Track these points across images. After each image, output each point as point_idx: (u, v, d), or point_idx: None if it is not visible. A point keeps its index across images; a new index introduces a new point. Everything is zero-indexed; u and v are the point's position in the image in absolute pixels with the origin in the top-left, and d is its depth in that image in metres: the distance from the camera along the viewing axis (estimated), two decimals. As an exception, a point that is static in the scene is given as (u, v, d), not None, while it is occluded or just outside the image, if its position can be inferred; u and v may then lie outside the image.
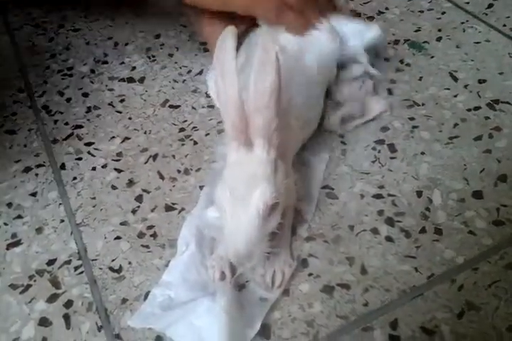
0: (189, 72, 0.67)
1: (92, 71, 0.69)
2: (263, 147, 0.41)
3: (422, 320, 0.42)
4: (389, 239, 0.47)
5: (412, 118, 0.59)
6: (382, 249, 0.47)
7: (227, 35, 0.40)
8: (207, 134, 0.59)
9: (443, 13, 0.74)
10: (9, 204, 0.52)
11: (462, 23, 0.72)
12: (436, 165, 0.53)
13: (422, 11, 0.75)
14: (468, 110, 0.59)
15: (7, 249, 0.48)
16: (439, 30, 0.71)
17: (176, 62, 0.69)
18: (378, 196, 0.51)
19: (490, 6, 0.74)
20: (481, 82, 0.62)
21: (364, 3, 0.78)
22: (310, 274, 0.45)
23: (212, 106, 0.62)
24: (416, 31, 0.72)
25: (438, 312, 0.42)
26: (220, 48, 0.40)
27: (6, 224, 0.51)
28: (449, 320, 0.42)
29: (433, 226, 0.48)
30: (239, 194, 0.40)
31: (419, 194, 0.51)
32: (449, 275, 0.44)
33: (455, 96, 0.61)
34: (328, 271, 0.45)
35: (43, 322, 0.43)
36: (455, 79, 0.63)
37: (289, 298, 0.44)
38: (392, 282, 0.44)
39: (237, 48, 0.41)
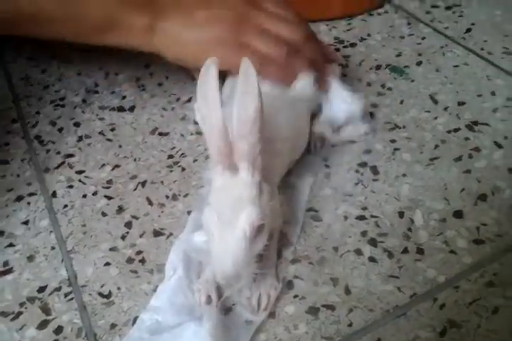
0: (178, 99, 0.69)
1: (84, 101, 0.71)
2: (247, 170, 0.42)
3: (405, 339, 0.42)
4: (372, 259, 0.48)
5: (393, 141, 0.60)
6: (365, 269, 0.48)
7: (210, 65, 0.42)
8: (195, 160, 0.60)
9: (423, 38, 0.77)
10: (1, 233, 0.53)
11: (441, 47, 0.74)
12: (418, 186, 0.55)
13: (402, 37, 0.78)
14: (448, 132, 0.61)
15: (-1, 276, 0.50)
16: (420, 55, 0.74)
17: (165, 91, 0.71)
18: (361, 217, 0.52)
19: (468, 30, 0.77)
20: (460, 104, 0.64)
21: (347, 30, 0.80)
22: (295, 296, 0.46)
23: (200, 133, 0.63)
24: (397, 56, 0.74)
25: (421, 331, 0.43)
26: (203, 77, 0.42)
27: (-3, 252, 0.52)
28: (431, 339, 0.42)
29: (415, 246, 0.49)
30: (225, 217, 0.41)
31: (401, 214, 0.52)
32: (431, 294, 0.45)
33: (435, 118, 0.63)
34: (313, 292, 0.46)
35: (33, 349, 0.44)
36: (435, 101, 0.65)
37: (275, 319, 0.45)
38: (376, 302, 0.45)
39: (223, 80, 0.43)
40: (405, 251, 0.49)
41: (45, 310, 0.46)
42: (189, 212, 0.54)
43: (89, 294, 0.48)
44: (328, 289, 0.46)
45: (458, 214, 0.52)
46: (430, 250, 0.49)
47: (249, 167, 0.43)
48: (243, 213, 0.41)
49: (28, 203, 0.57)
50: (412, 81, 0.69)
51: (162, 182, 0.58)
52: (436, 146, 0.59)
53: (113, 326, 0.45)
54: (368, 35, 0.79)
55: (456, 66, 0.71)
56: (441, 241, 0.49)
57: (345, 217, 0.52)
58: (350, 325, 0.44)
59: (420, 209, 0.52)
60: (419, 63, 0.72)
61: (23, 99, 0.73)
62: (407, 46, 0.76)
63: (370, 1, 0.84)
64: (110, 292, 0.47)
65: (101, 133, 0.66)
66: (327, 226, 0.52)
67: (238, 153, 0.42)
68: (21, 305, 0.47)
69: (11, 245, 0.52)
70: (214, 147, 0.43)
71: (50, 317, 0.46)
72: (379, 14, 0.84)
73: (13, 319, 0.46)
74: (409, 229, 0.51)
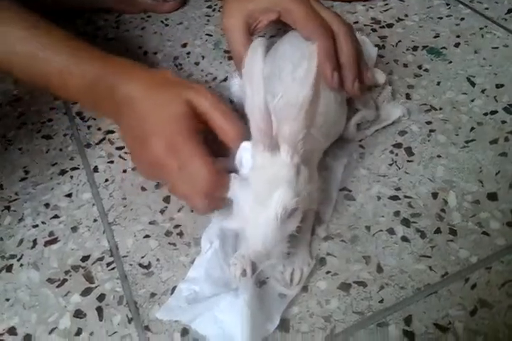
0: (214, 79, 0.70)
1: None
2: (287, 152, 0.43)
3: (435, 317, 0.43)
4: (405, 239, 0.49)
5: (429, 122, 0.60)
6: (397, 248, 0.49)
7: (258, 46, 0.42)
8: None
9: (462, 19, 0.76)
10: (47, 205, 0.56)
11: (481, 28, 0.73)
12: (452, 168, 0.55)
13: (440, 18, 0.77)
14: (485, 114, 0.60)
15: (45, 245, 0.52)
16: (458, 36, 0.73)
17: (202, 70, 0.72)
18: (395, 198, 0.53)
19: (509, 11, 0.75)
20: (498, 86, 0.64)
21: (384, 11, 0.80)
22: (328, 272, 0.47)
23: (235, 111, 0.64)
24: (435, 37, 0.73)
25: (451, 310, 0.44)
26: (250, 58, 0.43)
27: (43, 223, 0.54)
28: (462, 317, 0.43)
29: (448, 227, 0.50)
30: (260, 196, 0.42)
31: (435, 196, 0.52)
32: (463, 274, 0.46)
33: (472, 100, 0.62)
34: (345, 269, 0.47)
35: (78, 314, 0.46)
36: (472, 84, 0.65)
37: (308, 294, 0.46)
38: (407, 280, 0.46)
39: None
40: (438, 231, 0.49)
41: (89, 278, 0.49)
42: (225, 189, 0.55)
43: (130, 264, 0.50)
44: (360, 266, 0.48)
45: (492, 197, 0.52)
46: (463, 231, 0.49)
47: (289, 149, 0.43)
48: (277, 193, 0.42)
49: (71, 177, 0.59)
50: (450, 62, 0.68)
51: (199, 159, 0.59)
52: (472, 129, 0.59)
53: (152, 295, 0.47)
54: (406, 15, 0.78)
55: (496, 48, 0.70)
56: (475, 222, 0.50)
57: (379, 197, 0.53)
58: (381, 301, 0.45)
59: (454, 190, 0.53)
60: (457, 45, 0.71)
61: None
62: (445, 27, 0.75)
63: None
64: (150, 263, 0.50)
65: (139, 110, 0.67)
66: (360, 205, 0.53)
67: (280, 135, 0.43)
68: (66, 272, 0.50)
69: (55, 216, 0.55)
70: (255, 126, 0.43)
71: (93, 285, 0.48)
72: (417, -6, 0.82)
73: (58, 286, 0.49)
74: (443, 210, 0.51)
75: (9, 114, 0.69)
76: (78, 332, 0.45)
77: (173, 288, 0.47)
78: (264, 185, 0.43)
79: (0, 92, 0.73)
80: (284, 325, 0.44)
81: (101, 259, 0.51)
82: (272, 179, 0.43)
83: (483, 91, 0.63)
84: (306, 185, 0.44)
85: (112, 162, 0.61)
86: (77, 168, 0.60)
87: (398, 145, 0.58)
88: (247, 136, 0.47)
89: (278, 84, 0.50)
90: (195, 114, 0.48)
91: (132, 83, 0.49)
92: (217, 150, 0.49)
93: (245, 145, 0.48)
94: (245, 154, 0.48)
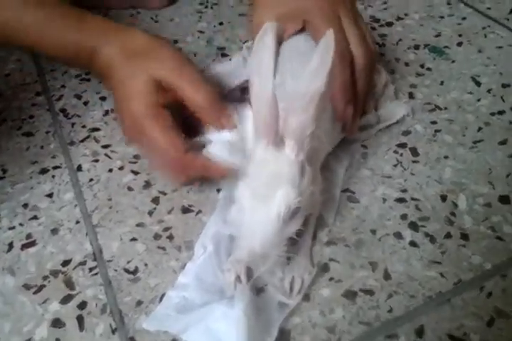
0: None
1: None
2: (293, 148, 0.40)
3: (449, 328, 0.40)
4: (413, 243, 0.46)
5: (434, 122, 0.57)
6: (406, 253, 0.45)
7: (267, 31, 0.39)
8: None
9: (463, 18, 0.74)
10: (25, 205, 0.52)
11: (483, 28, 0.71)
12: (460, 169, 0.52)
13: (442, 17, 0.74)
14: (492, 114, 0.58)
15: (21, 249, 0.48)
16: (460, 36, 0.70)
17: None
18: (401, 200, 0.50)
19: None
20: (504, 86, 0.61)
21: (383, 9, 0.77)
22: (331, 279, 0.44)
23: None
24: (436, 36, 0.71)
25: (466, 320, 0.40)
26: (259, 43, 0.39)
27: (21, 224, 0.50)
28: (478, 328, 0.40)
29: (459, 231, 0.46)
30: (260, 192, 0.39)
31: (444, 198, 0.49)
32: (477, 281, 0.43)
33: (478, 100, 0.60)
34: (349, 276, 0.44)
35: (56, 323, 0.42)
36: (477, 83, 0.62)
37: (309, 302, 0.42)
38: (418, 288, 0.43)
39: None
40: (448, 236, 0.46)
41: (69, 284, 0.45)
42: (218, 190, 0.52)
43: (115, 270, 0.46)
44: (365, 273, 0.44)
45: (504, 199, 0.49)
46: (475, 235, 0.46)
47: (295, 145, 0.40)
48: (280, 191, 0.38)
49: (53, 176, 0.55)
50: (453, 62, 0.66)
51: (190, 158, 0.56)
52: (480, 129, 0.56)
53: (139, 303, 0.43)
54: (405, 14, 0.76)
55: (500, 47, 0.67)
56: (487, 226, 0.47)
57: (384, 199, 0.50)
58: (390, 310, 0.41)
59: (464, 192, 0.50)
60: (459, 44, 0.69)
61: (48, 73, 0.71)
62: (447, 26, 0.72)
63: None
64: (136, 268, 0.46)
65: (127, 107, 0.63)
66: (364, 208, 0.49)
67: (287, 129, 0.39)
68: (44, 278, 0.45)
69: (34, 218, 0.50)
70: (260, 118, 0.40)
71: (74, 292, 0.44)
72: (416, -7, 0.80)
73: (35, 292, 0.44)
74: (453, 214, 0.48)
75: (-12, 110, 0.65)
76: (56, 344, 0.41)
77: (162, 296, 0.43)
78: (265, 181, 0.39)
79: (-21, 88, 0.69)
80: (283, 337, 0.40)
81: (83, 264, 0.46)
82: (274, 175, 0.39)
83: (489, 90, 0.61)
84: (309, 185, 0.41)
85: (96, 161, 0.57)
86: (59, 167, 0.56)
87: (403, 146, 0.55)
88: (221, 109, 0.47)
89: (287, 75, 0.46)
90: (162, 87, 0.47)
91: (108, 49, 0.50)
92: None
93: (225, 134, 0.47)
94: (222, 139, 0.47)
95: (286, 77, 0.45)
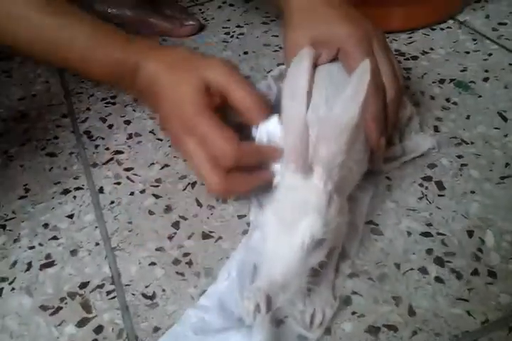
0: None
1: (135, 100, 0.70)
2: (321, 177, 0.39)
3: (477, 370, 0.38)
4: (439, 279, 0.44)
5: (460, 156, 0.57)
6: (431, 289, 0.44)
7: (304, 55, 0.39)
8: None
9: (489, 54, 0.74)
10: (45, 225, 0.52)
11: (510, 64, 0.71)
12: (488, 205, 0.51)
13: (467, 52, 0.74)
14: (520, 150, 0.57)
15: (40, 269, 0.47)
16: (486, 71, 0.70)
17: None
18: (426, 234, 0.48)
19: (538, 49, 0.73)
20: (531, 122, 0.61)
21: (408, 43, 0.78)
22: (353, 313, 0.42)
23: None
24: (462, 71, 0.71)
25: (494, 362, 0.39)
26: (295, 67, 0.39)
27: (41, 244, 0.50)
28: (506, 371, 0.38)
29: (486, 268, 0.45)
30: (286, 219, 0.38)
31: (470, 234, 0.48)
32: (506, 321, 0.41)
33: (505, 135, 0.59)
34: (373, 311, 0.42)
35: (72, 347, 0.41)
36: (504, 119, 0.61)
37: (331, 337, 0.41)
38: (443, 326, 0.41)
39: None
40: (475, 273, 0.45)
41: (86, 307, 0.44)
42: (239, 216, 0.51)
43: (133, 294, 0.45)
44: (389, 308, 0.43)
45: (533, 238, 0.47)
46: (503, 273, 0.44)
47: (323, 173, 0.39)
48: (306, 220, 0.38)
49: (74, 197, 0.55)
50: (480, 97, 0.65)
51: (212, 184, 0.55)
52: (507, 165, 0.55)
53: (156, 329, 0.42)
54: (431, 48, 0.76)
55: (526, 84, 0.67)
56: (515, 265, 0.45)
57: (409, 233, 0.49)
58: (415, 348, 0.40)
59: (491, 229, 0.48)
60: (485, 79, 0.69)
61: (74, 96, 0.72)
62: (473, 62, 0.72)
63: (433, 16, 0.81)
64: (154, 293, 0.45)
65: (151, 132, 0.64)
66: (388, 241, 0.48)
67: (317, 157, 0.39)
68: (61, 300, 0.45)
69: (54, 238, 0.50)
70: (290, 143, 0.39)
71: (90, 315, 0.43)
72: (442, 29, 0.81)
73: (52, 314, 0.43)
74: (480, 250, 0.47)
75: (13, 129, 0.66)
76: (70, 369, 0.40)
77: (180, 323, 0.42)
78: (291, 208, 0.38)
79: (5, 108, 0.70)
80: (303, 372, 0.39)
81: (101, 287, 0.46)
82: (301, 203, 0.38)
83: (515, 126, 0.60)
84: (336, 216, 0.40)
85: (118, 183, 0.57)
86: (81, 188, 0.56)
87: (428, 179, 0.54)
88: (268, 110, 0.49)
89: (320, 102, 0.46)
90: (212, 89, 0.49)
91: (152, 63, 0.51)
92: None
93: (273, 119, 0.48)
94: (270, 126, 0.48)
95: (320, 103, 0.45)
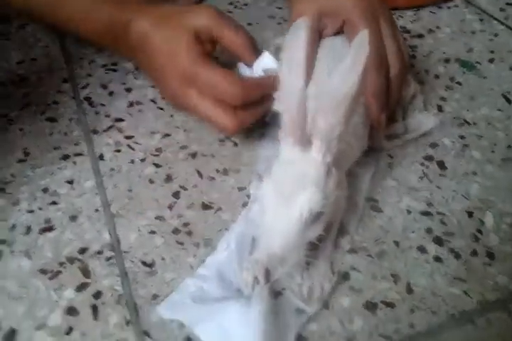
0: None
1: (137, 68, 0.68)
2: (320, 149, 0.38)
3: (472, 348, 0.39)
4: (437, 258, 0.45)
5: (462, 137, 0.57)
6: (429, 268, 0.44)
7: (300, 25, 0.38)
8: (248, 137, 0.57)
9: (496, 35, 0.73)
10: (45, 190, 0.51)
11: (517, 46, 0.70)
12: (488, 186, 0.51)
13: (473, 32, 0.74)
14: (523, 133, 0.57)
15: (40, 233, 0.47)
16: (492, 52, 0.70)
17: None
18: (426, 213, 0.49)
19: (546, 32, 0.73)
20: (536, 105, 0.60)
21: (414, 21, 0.77)
22: (351, 288, 0.43)
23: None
24: (467, 51, 0.70)
25: None
26: (292, 37, 0.38)
27: (40, 208, 0.49)
28: (501, 351, 0.39)
29: (485, 249, 0.46)
30: (284, 192, 0.38)
31: (470, 214, 0.48)
32: (503, 302, 0.42)
33: (508, 117, 0.59)
34: (371, 287, 0.43)
35: (71, 311, 0.41)
36: (508, 101, 0.61)
37: (328, 310, 0.41)
38: (441, 304, 0.42)
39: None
40: (474, 253, 0.45)
41: (85, 272, 0.44)
42: (239, 188, 0.51)
43: (132, 261, 0.45)
44: (387, 285, 0.43)
45: (532, 220, 0.48)
46: (501, 255, 0.45)
47: (322, 146, 0.38)
48: (304, 193, 0.37)
49: (74, 163, 0.54)
50: (484, 77, 0.65)
51: (213, 155, 0.55)
52: (509, 147, 0.55)
53: (154, 297, 0.42)
54: (437, 27, 0.75)
55: (532, 66, 0.67)
56: (514, 247, 0.46)
57: (408, 211, 0.49)
58: (411, 326, 0.40)
59: (491, 210, 0.49)
60: (491, 60, 0.68)
61: (75, 61, 0.70)
62: (479, 42, 0.72)
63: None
64: (153, 261, 0.45)
65: (153, 100, 0.63)
66: (388, 218, 0.48)
67: (315, 129, 0.38)
68: (61, 264, 0.44)
69: (53, 203, 0.50)
70: (287, 116, 0.39)
71: (89, 281, 0.43)
72: (448, 8, 0.80)
73: (51, 278, 0.43)
74: (479, 231, 0.47)
75: (13, 94, 0.64)
76: (69, 331, 0.40)
77: (178, 290, 0.42)
78: (289, 181, 0.38)
79: (4, 71, 0.68)
80: (300, 343, 0.39)
81: (100, 253, 0.45)
82: (299, 177, 0.38)
83: (519, 109, 0.60)
84: (334, 190, 0.40)
85: (119, 151, 0.56)
86: (81, 154, 0.55)
87: (429, 158, 0.54)
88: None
89: (322, 74, 0.45)
90: (202, 37, 0.51)
91: (144, 19, 0.53)
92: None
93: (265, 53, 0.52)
94: (266, 59, 0.52)
95: (322, 76, 0.44)
